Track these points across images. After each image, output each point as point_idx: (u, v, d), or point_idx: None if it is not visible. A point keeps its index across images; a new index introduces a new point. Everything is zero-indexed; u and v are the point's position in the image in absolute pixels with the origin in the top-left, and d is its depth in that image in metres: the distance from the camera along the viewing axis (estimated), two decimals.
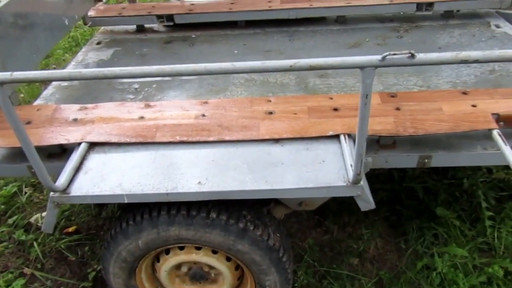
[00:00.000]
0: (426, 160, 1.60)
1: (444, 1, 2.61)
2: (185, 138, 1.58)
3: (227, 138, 1.57)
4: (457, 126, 1.55)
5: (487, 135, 1.57)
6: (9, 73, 1.11)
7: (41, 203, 2.64)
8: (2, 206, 2.59)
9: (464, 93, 1.74)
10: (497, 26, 2.56)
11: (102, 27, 2.88)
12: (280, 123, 1.62)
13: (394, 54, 1.04)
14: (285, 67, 1.08)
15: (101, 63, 2.46)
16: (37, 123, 1.72)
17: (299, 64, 1.06)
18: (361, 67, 1.07)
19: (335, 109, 1.67)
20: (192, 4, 2.78)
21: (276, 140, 1.56)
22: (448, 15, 2.68)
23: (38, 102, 2.09)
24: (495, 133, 1.51)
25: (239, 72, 1.12)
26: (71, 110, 1.79)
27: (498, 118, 1.59)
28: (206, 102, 1.77)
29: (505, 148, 1.42)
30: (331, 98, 1.74)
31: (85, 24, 2.74)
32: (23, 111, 1.80)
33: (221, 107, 1.73)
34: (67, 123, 1.71)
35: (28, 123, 1.72)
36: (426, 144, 1.61)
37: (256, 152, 1.52)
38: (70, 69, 2.39)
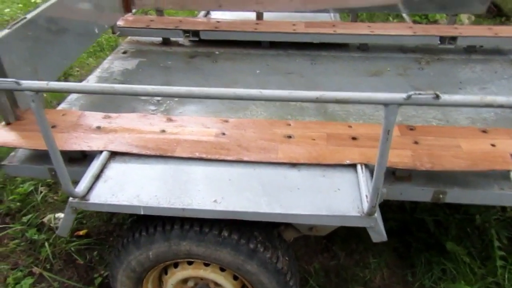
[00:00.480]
0: (441, 196, 1.60)
1: (468, 36, 2.63)
2: (204, 155, 1.61)
3: (245, 158, 1.59)
4: (475, 165, 1.55)
5: (505, 175, 1.57)
6: (45, 82, 1.15)
7: (55, 204, 2.69)
8: (18, 204, 2.65)
9: (484, 131, 1.74)
10: None
11: (129, 37, 2.95)
12: (298, 148, 1.64)
13: (419, 94, 1.06)
14: (311, 98, 1.11)
15: (126, 72, 2.52)
16: (62, 128, 1.77)
17: (325, 97, 1.09)
18: (385, 104, 1.09)
19: (354, 138, 1.69)
20: (218, 22, 2.84)
21: (293, 165, 1.58)
22: (470, 50, 2.70)
23: (62, 106, 2.15)
24: None
25: (266, 100, 1.15)
26: (95, 118, 1.83)
27: None
28: (226, 121, 1.81)
29: None
30: (350, 127, 1.76)
31: (113, 33, 2.81)
32: (49, 115, 1.85)
33: (241, 127, 1.76)
34: (90, 130, 1.75)
35: (53, 127, 1.76)
36: (442, 179, 1.62)
37: (272, 174, 1.54)
38: (97, 76, 2.46)
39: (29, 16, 1.90)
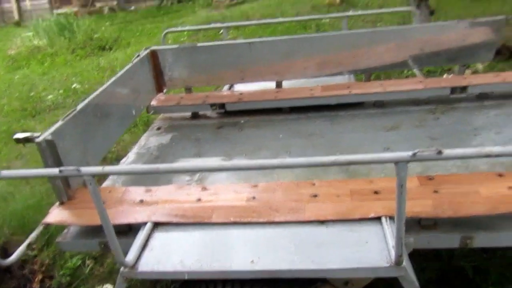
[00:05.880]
0: (468, 241, 1.66)
1: (477, 84, 2.76)
2: (238, 219, 1.75)
3: (276, 219, 1.72)
4: (495, 208, 1.63)
5: None
6: (101, 167, 1.36)
7: (101, 276, 2.84)
8: (68, 278, 2.82)
9: (500, 175, 1.82)
10: None
11: (162, 114, 3.24)
12: (325, 206, 1.76)
13: (423, 151, 1.19)
14: (327, 163, 1.26)
15: (160, 147, 2.76)
16: (109, 204, 1.96)
17: (340, 160, 1.24)
18: (395, 162, 1.23)
19: (376, 192, 1.80)
20: (241, 93, 3.10)
21: (321, 222, 1.69)
22: (483, 97, 2.80)
23: (107, 183, 2.36)
24: None
25: (287, 167, 1.30)
26: (138, 193, 2.02)
27: None
28: (256, 186, 1.96)
29: None
30: (371, 182, 1.88)
31: (148, 112, 3.11)
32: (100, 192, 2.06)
33: (269, 191, 1.91)
34: (134, 204, 1.93)
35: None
36: (467, 225, 1.68)
37: (303, 233, 1.66)
38: (135, 153, 2.69)
39: (78, 107, 2.19)
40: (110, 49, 9.17)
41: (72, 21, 10.24)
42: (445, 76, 4.32)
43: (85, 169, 1.36)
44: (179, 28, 3.80)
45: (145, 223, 1.80)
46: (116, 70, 7.35)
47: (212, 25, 4.19)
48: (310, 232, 1.65)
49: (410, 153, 1.20)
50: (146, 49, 3.09)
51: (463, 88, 2.76)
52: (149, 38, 9.74)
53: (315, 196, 1.82)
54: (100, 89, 2.42)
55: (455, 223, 1.69)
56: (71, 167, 1.36)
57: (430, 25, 3.00)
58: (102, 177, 3.32)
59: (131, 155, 2.68)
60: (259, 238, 1.66)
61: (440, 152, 1.18)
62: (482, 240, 1.67)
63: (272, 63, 3.11)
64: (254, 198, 1.86)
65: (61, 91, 6.77)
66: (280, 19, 4.27)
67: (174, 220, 1.80)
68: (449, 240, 1.69)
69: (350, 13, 3.30)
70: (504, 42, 4.99)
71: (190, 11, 12.63)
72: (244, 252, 1.59)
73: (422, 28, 3.01)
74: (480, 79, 2.82)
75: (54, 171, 1.40)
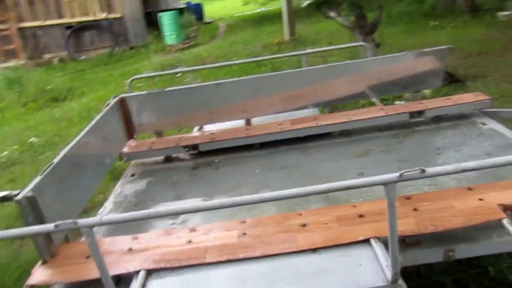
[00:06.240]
0: (451, 253, 1.77)
1: (433, 108, 3.00)
2: (232, 257, 1.76)
3: (269, 252, 1.75)
4: (470, 220, 1.76)
5: (499, 224, 1.77)
6: (98, 217, 1.35)
7: None
8: None
9: (470, 189, 1.98)
10: (483, 124, 2.90)
11: (134, 160, 3.21)
12: (314, 234, 1.82)
13: (409, 171, 1.30)
14: (322, 190, 1.33)
15: (138, 194, 2.72)
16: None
17: (335, 187, 1.32)
18: (384, 183, 1.32)
19: (361, 216, 1.88)
20: (213, 133, 3.16)
21: (314, 250, 1.74)
22: (438, 119, 3.04)
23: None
24: (505, 222, 1.72)
25: (285, 198, 1.36)
26: (125, 241, 1.98)
27: (504, 208, 1.81)
28: (244, 222, 1.99)
29: None
30: (355, 206, 1.97)
31: (120, 159, 3.08)
32: (83, 246, 1.99)
33: (259, 225, 1.94)
34: (123, 254, 1.89)
35: (88, 257, 1.90)
36: (447, 238, 1.79)
37: (297, 262, 1.69)
38: (113, 202, 2.64)
39: (55, 160, 2.15)
40: (64, 99, 8.99)
41: (21, 74, 10.00)
42: (397, 103, 4.64)
43: (83, 221, 1.35)
44: (145, 75, 3.86)
45: (137, 272, 1.76)
46: (74, 120, 7.23)
47: (178, 70, 4.29)
48: (305, 261, 1.70)
49: (397, 174, 1.31)
50: (114, 97, 3.10)
51: (420, 112, 2.99)
52: (103, 86, 9.67)
53: (304, 225, 1.88)
54: (74, 141, 2.39)
55: (436, 238, 1.80)
56: (68, 221, 1.34)
57: (382, 58, 3.26)
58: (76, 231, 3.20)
59: (108, 205, 2.62)
60: (256, 273, 1.67)
61: (423, 171, 1.30)
62: (463, 251, 1.78)
63: (239, 102, 3.22)
64: (244, 234, 1.89)
65: (15, 147, 6.51)
66: (242, 60, 4.44)
67: (168, 265, 1.78)
68: (434, 255, 1.78)
69: (309, 50, 3.52)
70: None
71: (143, 57, 12.76)
72: None
73: (376, 61, 3.25)
74: (434, 103, 3.07)
75: (49, 227, 1.37)
